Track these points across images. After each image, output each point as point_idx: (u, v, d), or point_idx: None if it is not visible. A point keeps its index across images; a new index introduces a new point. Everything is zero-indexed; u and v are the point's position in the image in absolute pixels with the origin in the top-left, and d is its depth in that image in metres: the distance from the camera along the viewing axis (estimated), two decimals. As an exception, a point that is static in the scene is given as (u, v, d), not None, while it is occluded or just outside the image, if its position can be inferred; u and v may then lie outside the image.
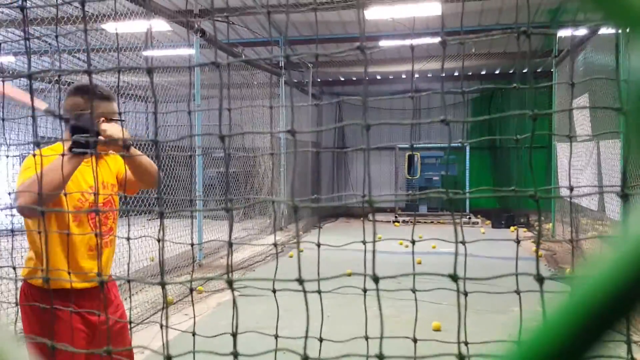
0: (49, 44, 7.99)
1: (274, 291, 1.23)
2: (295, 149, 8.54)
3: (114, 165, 2.31)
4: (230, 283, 0.95)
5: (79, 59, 9.10)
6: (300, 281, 0.97)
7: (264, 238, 9.52)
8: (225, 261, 7.28)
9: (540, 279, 1.04)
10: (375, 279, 0.99)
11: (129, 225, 1.71)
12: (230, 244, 1.12)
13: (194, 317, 1.33)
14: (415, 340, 1.34)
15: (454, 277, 1.09)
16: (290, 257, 7.97)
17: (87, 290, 2.12)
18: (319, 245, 1.35)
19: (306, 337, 1.05)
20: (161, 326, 1.11)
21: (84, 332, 2.12)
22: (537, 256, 1.22)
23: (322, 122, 14.25)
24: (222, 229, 8.18)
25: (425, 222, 12.05)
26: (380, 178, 13.91)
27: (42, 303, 1.87)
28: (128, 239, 1.48)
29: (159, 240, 1.16)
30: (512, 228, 10.89)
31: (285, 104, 10.47)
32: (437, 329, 4.51)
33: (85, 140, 1.74)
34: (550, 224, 9.89)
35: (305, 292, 1.04)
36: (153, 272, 6.23)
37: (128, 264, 1.56)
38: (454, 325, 1.21)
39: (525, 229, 10.72)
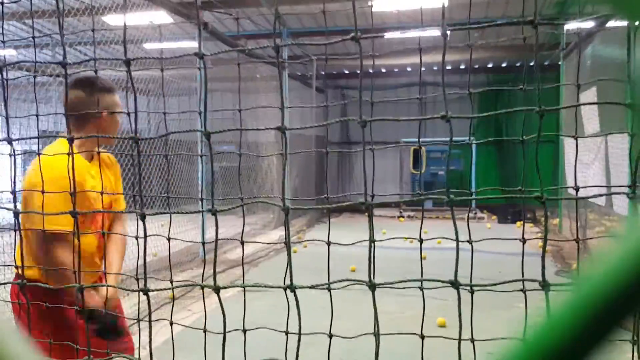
0: (50, 36, 7.93)
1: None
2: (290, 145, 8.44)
3: (113, 176, 2.31)
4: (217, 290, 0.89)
5: (79, 51, 9.04)
6: (292, 288, 0.90)
7: (268, 233, 9.46)
8: (229, 257, 7.20)
9: (545, 285, 0.98)
10: (372, 286, 0.91)
11: (137, 220, 1.70)
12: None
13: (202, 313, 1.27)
14: (422, 337, 1.28)
15: (455, 285, 1.03)
16: (294, 252, 7.91)
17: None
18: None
19: (299, 333, 0.98)
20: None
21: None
22: (542, 260, 1.13)
23: (326, 116, 14.17)
24: (226, 223, 8.11)
25: (430, 218, 11.96)
26: (384, 173, 13.79)
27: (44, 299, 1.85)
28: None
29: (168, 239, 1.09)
30: (518, 223, 10.79)
31: (287, 97, 10.38)
32: (442, 325, 4.44)
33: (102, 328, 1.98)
34: (557, 220, 9.78)
35: (295, 290, 0.97)
36: (156, 267, 6.18)
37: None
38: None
39: (531, 225, 10.62)
